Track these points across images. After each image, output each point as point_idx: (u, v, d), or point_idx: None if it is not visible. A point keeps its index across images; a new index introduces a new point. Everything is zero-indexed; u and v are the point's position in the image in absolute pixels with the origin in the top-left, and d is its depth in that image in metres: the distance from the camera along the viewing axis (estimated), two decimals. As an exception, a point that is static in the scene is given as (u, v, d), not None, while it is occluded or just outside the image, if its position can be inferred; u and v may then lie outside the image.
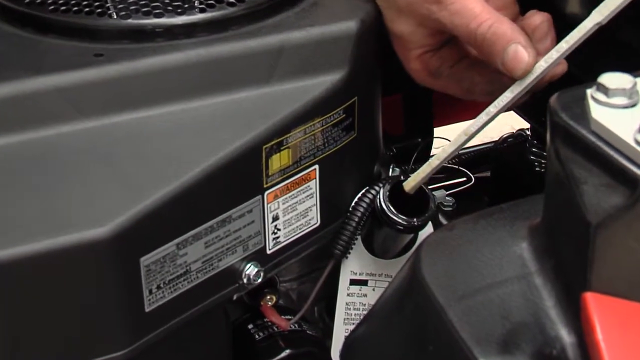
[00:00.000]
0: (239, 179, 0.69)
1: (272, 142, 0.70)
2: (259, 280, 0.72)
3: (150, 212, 0.64)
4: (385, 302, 0.63)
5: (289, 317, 0.81)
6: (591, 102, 0.51)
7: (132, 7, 0.73)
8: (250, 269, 0.72)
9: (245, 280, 0.72)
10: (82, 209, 0.63)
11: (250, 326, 0.82)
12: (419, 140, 1.00)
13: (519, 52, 0.70)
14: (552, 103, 0.52)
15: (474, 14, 0.72)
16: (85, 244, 0.62)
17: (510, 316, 0.54)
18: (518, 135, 1.08)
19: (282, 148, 0.71)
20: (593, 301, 0.49)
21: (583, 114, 0.51)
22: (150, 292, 0.66)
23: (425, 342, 0.57)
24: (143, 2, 0.73)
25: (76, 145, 0.68)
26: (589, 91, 0.52)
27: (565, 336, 0.52)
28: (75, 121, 0.68)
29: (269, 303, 0.79)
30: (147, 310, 0.66)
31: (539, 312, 0.53)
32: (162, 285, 0.66)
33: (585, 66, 0.70)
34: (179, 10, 0.73)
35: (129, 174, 0.66)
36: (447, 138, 1.22)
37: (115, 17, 0.73)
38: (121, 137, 0.68)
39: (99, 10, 0.73)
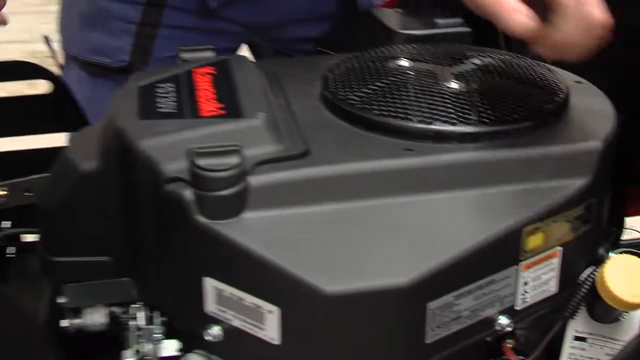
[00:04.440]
0: (503, 252, 0.71)
1: (531, 227, 0.71)
2: (509, 329, 0.73)
3: (438, 271, 0.67)
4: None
5: (521, 357, 0.81)
6: None
7: (434, 116, 0.75)
8: (503, 320, 0.73)
9: (498, 328, 0.73)
10: (390, 263, 0.67)
11: (493, 362, 0.83)
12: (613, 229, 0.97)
13: None
14: None
15: None
16: (391, 289, 0.65)
17: None
18: None
19: (537, 232, 0.72)
20: None
21: None
22: (432, 329, 0.68)
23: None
24: (441, 113, 0.75)
25: (385, 214, 0.70)
26: None
27: None
28: (387, 197, 0.71)
29: (509, 345, 0.79)
30: (426, 342, 0.68)
31: None
32: (440, 325, 0.68)
33: None
34: (468, 122, 0.75)
35: (424, 240, 0.69)
36: (637, 229, 1.19)
37: (415, 121, 0.75)
38: (419, 212, 0.71)
39: (408, 115, 0.75)
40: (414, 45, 0.90)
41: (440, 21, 1.07)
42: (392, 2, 1.32)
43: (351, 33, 1.19)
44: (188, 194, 0.68)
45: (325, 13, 1.29)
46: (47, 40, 1.21)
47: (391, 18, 1.11)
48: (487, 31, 1.06)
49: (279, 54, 1.31)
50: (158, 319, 0.77)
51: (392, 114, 0.76)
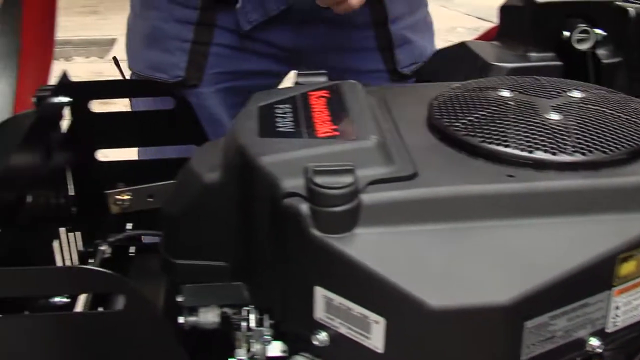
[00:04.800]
0: (597, 277, 0.69)
1: (624, 254, 0.69)
2: (600, 351, 0.71)
3: (536, 292, 0.66)
4: None
5: (607, 377, 0.79)
6: None
7: (534, 145, 0.74)
8: (594, 342, 0.72)
9: (589, 349, 0.72)
10: (491, 282, 0.66)
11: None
12: None
13: None
14: None
15: None
16: (492, 307, 0.65)
17: None
18: None
19: (630, 259, 0.70)
20: None
21: None
22: (527, 347, 0.67)
23: None
24: (541, 142, 0.74)
25: (487, 236, 0.69)
26: None
27: None
28: (489, 220, 0.70)
29: (596, 366, 0.77)
30: (522, 358, 0.67)
31: None
32: (535, 343, 0.67)
33: None
34: (567, 152, 0.73)
35: (523, 262, 0.68)
36: None
37: (517, 149, 0.73)
38: (519, 235, 0.70)
39: (510, 144, 0.74)
40: (514, 77, 0.89)
41: (533, 55, 1.06)
42: (487, 35, 1.31)
43: (447, 64, 1.18)
44: (304, 208, 0.68)
45: (361, 46, 1.29)
46: (116, 61, 1.25)
47: (486, 50, 1.10)
48: (577, 66, 1.05)
49: None
50: (267, 321, 0.77)
51: (495, 141, 0.75)
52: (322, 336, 0.70)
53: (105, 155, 1.09)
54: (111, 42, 4.52)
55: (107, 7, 5.26)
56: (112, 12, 5.09)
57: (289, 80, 1.16)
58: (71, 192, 1.02)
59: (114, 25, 4.77)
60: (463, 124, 0.78)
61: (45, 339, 0.69)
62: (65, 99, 0.97)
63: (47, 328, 0.69)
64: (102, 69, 3.93)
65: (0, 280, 0.67)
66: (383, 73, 1.32)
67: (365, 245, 0.67)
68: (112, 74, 1.26)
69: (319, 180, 0.67)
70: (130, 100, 1.26)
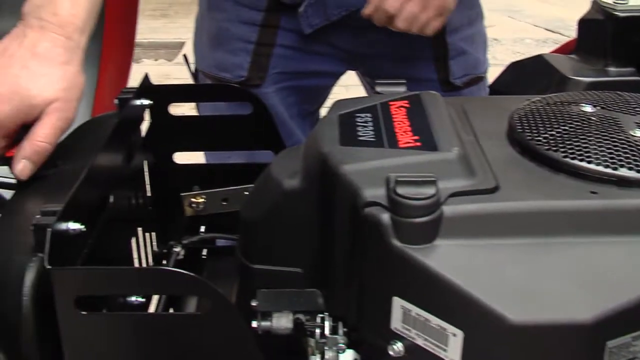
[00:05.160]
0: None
1: None
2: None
3: (620, 311, 0.64)
4: None
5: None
6: None
7: (619, 162, 0.73)
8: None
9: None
10: (573, 299, 0.65)
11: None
12: None
13: None
14: None
15: None
16: (574, 324, 0.64)
17: None
18: None
19: None
20: None
21: None
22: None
23: None
24: (626, 159, 0.73)
25: (569, 252, 0.68)
26: None
27: None
28: (571, 236, 0.69)
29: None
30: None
31: None
32: (618, 363, 0.66)
33: None
34: None
35: (605, 280, 0.66)
36: None
37: (601, 166, 0.72)
38: (601, 252, 0.69)
39: (593, 160, 0.73)
40: (596, 92, 0.87)
41: (612, 69, 1.04)
42: (565, 48, 1.29)
43: (523, 76, 1.16)
44: (385, 218, 0.68)
45: (417, 55, 1.29)
46: (185, 59, 1.27)
47: (564, 64, 1.09)
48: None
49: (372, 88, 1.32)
50: (342, 329, 0.77)
51: (578, 157, 0.74)
52: (398, 346, 0.70)
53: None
54: (180, 46, 4.58)
55: (176, 10, 5.33)
56: (181, 16, 5.16)
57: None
58: (148, 193, 1.04)
59: (183, 29, 4.84)
60: (545, 138, 0.77)
61: (128, 338, 0.70)
62: (147, 102, 0.99)
63: (131, 327, 0.70)
64: (169, 72, 3.99)
65: (95, 279, 0.68)
66: (435, 83, 1.32)
67: (445, 257, 0.66)
68: (180, 77, 1.29)
69: (401, 190, 0.67)
70: (198, 104, 1.28)
